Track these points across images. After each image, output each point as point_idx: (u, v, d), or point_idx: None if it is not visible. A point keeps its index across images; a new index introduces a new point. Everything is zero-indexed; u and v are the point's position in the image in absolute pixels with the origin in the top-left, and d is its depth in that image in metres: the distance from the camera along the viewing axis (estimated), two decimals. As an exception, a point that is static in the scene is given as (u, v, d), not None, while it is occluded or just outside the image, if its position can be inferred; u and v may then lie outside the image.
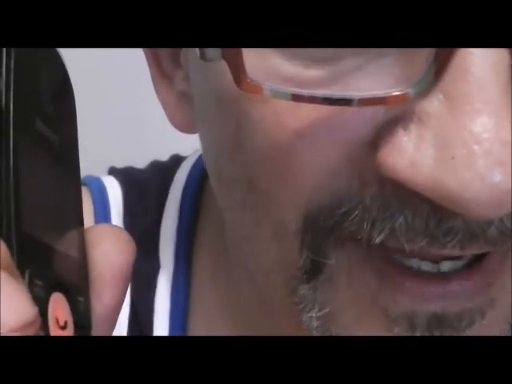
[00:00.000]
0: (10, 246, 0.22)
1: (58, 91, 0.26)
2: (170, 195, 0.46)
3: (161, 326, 0.43)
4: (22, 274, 0.22)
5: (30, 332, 0.21)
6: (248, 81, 0.28)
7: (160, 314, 0.44)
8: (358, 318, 0.33)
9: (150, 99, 0.42)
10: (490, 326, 0.33)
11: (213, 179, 0.36)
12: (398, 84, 0.28)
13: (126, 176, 0.47)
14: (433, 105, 0.27)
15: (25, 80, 0.23)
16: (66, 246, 0.24)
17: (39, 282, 0.22)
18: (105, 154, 0.57)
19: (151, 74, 0.39)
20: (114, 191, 0.47)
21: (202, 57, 0.28)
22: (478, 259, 0.32)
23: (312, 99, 0.28)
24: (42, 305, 0.22)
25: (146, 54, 0.39)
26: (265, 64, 0.29)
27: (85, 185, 0.47)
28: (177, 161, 0.48)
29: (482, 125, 0.26)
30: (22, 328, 0.21)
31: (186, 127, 0.39)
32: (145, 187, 0.47)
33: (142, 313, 0.44)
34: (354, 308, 0.33)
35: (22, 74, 0.23)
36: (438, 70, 0.27)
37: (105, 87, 0.72)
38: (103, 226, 0.26)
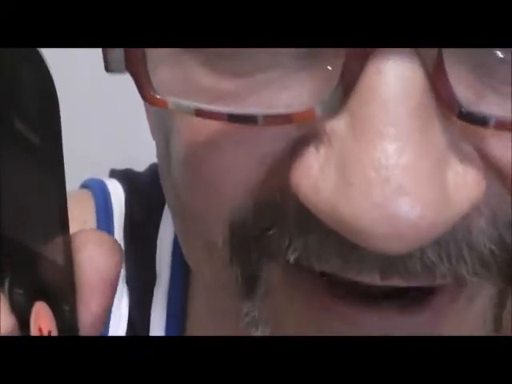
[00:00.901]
0: None
1: (40, 91, 0.25)
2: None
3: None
4: (2, 282, 0.21)
5: None
6: (152, 93, 0.27)
7: (156, 324, 0.43)
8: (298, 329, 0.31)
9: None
10: None
11: None
12: (310, 101, 0.26)
13: (127, 179, 0.47)
14: (340, 125, 0.26)
15: (2, 79, 0.23)
16: (50, 252, 0.24)
17: (20, 291, 0.22)
18: (103, 155, 0.57)
19: None
20: (118, 195, 0.46)
21: (106, 68, 0.27)
22: (425, 297, 0.30)
23: (216, 115, 0.27)
24: (23, 314, 0.22)
25: None
26: (180, 76, 0.28)
27: (87, 188, 0.47)
28: None
29: (383, 149, 0.25)
30: None
31: None
32: (144, 192, 0.46)
33: (138, 322, 0.43)
34: (292, 327, 0.31)
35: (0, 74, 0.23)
36: (346, 89, 0.25)
37: (103, 88, 0.73)
38: (89, 231, 0.25)
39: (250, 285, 0.31)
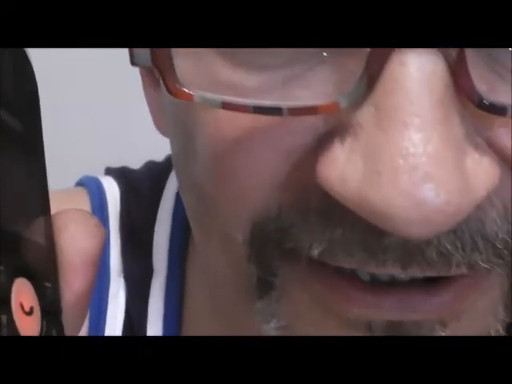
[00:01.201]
0: None
1: (20, 79, 0.25)
2: (163, 198, 0.46)
3: (154, 331, 0.43)
4: None
5: None
6: (178, 86, 0.27)
7: (153, 319, 0.43)
8: (316, 326, 0.32)
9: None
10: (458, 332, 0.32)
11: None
12: (334, 94, 0.27)
13: (122, 177, 0.47)
14: (365, 116, 0.27)
15: None
16: (31, 232, 0.24)
17: (1, 267, 0.22)
18: (99, 152, 0.57)
19: (142, 78, 0.39)
20: (113, 193, 0.46)
21: (132, 61, 0.28)
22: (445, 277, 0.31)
23: (242, 108, 0.27)
24: (3, 290, 0.22)
25: None
26: (205, 70, 0.28)
27: (83, 185, 0.47)
28: (171, 163, 0.47)
29: (409, 139, 0.25)
30: None
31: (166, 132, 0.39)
32: (139, 189, 0.46)
33: (135, 317, 0.44)
34: (311, 317, 0.32)
35: None
36: (370, 80, 0.26)
37: (100, 85, 0.73)
38: (70, 211, 0.25)
39: (265, 285, 0.32)
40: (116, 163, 0.48)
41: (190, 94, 0.27)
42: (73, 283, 0.24)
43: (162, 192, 0.46)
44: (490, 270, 0.30)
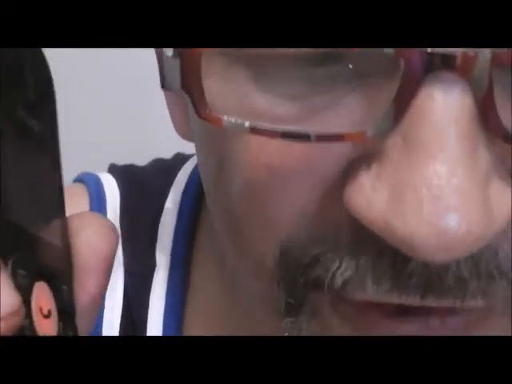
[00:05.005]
0: None
1: (37, 77, 0.25)
2: (170, 195, 0.46)
3: (155, 325, 0.44)
4: (5, 262, 0.22)
5: (14, 321, 0.22)
6: (207, 111, 0.28)
7: (155, 313, 0.44)
8: None
9: (152, 97, 0.42)
10: None
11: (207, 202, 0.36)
12: (362, 121, 0.28)
13: (125, 174, 0.47)
14: (391, 146, 0.27)
15: (5, 67, 0.23)
16: (49, 234, 0.24)
17: (23, 272, 0.23)
18: (106, 150, 0.58)
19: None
20: (112, 189, 0.47)
21: (162, 85, 0.28)
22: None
23: (271, 133, 0.28)
24: (25, 294, 0.22)
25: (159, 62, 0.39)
26: (235, 95, 0.29)
27: (82, 182, 0.47)
28: (180, 160, 0.47)
29: (435, 171, 0.26)
30: (7, 317, 0.21)
31: (189, 137, 0.39)
32: (144, 185, 0.47)
33: (136, 311, 0.44)
34: (341, 333, 0.32)
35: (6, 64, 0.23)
36: (397, 112, 0.27)
37: (107, 85, 0.72)
38: (86, 214, 0.26)
39: (293, 310, 0.32)
40: (122, 161, 0.49)
41: (218, 118, 0.28)
42: (88, 285, 0.25)
43: (169, 188, 0.46)
44: (505, 301, 0.31)
